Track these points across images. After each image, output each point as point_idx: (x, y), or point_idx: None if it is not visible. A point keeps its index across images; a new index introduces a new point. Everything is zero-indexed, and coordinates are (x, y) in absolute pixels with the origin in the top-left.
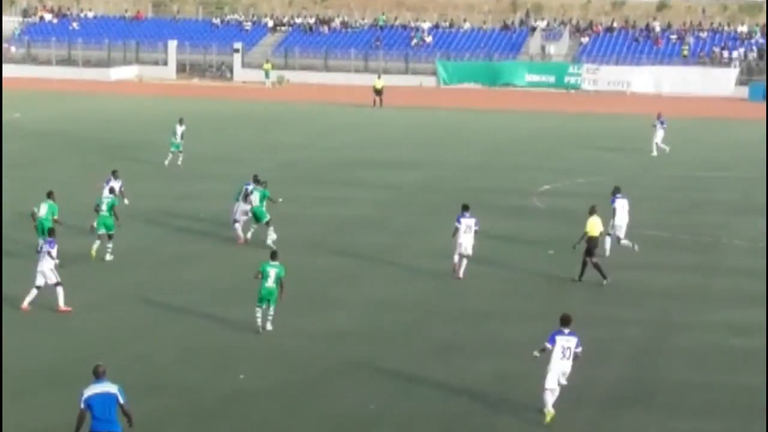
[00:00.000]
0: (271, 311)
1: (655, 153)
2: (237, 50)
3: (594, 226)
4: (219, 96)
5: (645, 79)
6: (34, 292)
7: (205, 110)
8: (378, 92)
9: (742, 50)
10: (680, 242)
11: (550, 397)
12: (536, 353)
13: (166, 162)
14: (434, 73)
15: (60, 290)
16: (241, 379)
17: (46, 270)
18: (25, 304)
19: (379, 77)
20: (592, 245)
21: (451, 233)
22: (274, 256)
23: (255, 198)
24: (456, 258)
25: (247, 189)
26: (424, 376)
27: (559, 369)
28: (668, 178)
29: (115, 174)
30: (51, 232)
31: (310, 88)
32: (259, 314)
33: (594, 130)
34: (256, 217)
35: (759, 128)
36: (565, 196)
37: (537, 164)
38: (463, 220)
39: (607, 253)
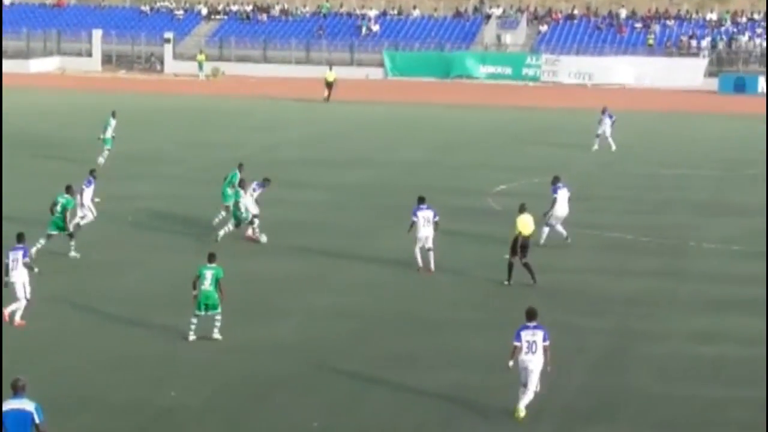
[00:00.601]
0: (218, 318)
1: (596, 147)
2: (168, 40)
3: (525, 224)
4: (148, 90)
5: (624, 70)
6: (23, 303)
7: (133, 105)
8: (329, 85)
9: (711, 39)
10: (644, 245)
11: (522, 394)
12: (510, 363)
13: (102, 159)
14: (381, 64)
15: (23, 304)
16: (173, 396)
17: (18, 282)
18: (13, 316)
19: (330, 69)
20: (522, 244)
21: (408, 228)
22: (211, 258)
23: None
24: (418, 253)
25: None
26: (374, 389)
27: (525, 365)
28: (632, 177)
29: (93, 173)
30: (20, 237)
31: (247, 81)
32: (194, 322)
33: (554, 125)
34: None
35: (730, 122)
36: (522, 197)
37: (492, 162)
38: (420, 213)
39: (542, 241)
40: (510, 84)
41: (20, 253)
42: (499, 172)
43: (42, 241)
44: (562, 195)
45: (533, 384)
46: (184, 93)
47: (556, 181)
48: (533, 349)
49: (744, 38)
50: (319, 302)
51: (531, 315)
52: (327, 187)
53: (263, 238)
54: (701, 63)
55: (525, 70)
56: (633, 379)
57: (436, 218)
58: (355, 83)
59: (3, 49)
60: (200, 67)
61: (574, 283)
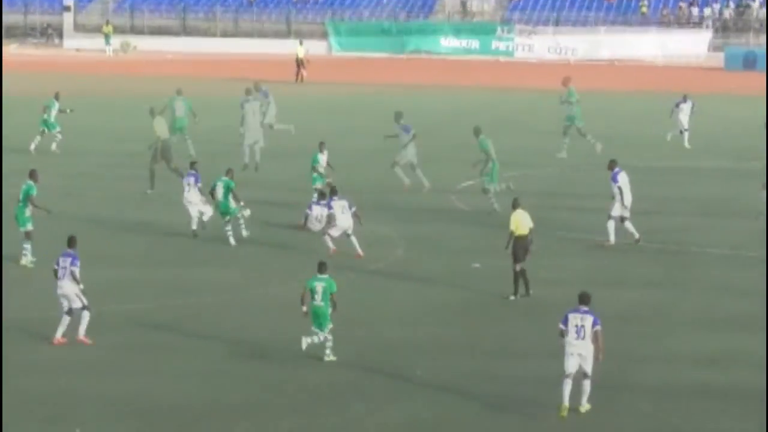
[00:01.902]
0: (329, 338)
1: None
2: (67, 8)
3: (519, 222)
4: (45, 68)
5: (613, 44)
6: (66, 320)
7: (25, 87)
8: (300, 63)
9: (717, 6)
10: (640, 251)
11: (568, 387)
12: (561, 339)
13: (33, 146)
14: (324, 36)
15: (86, 315)
16: None
17: (70, 293)
18: (59, 335)
19: (300, 44)
20: (518, 247)
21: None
22: (322, 268)
23: (219, 191)
24: (330, 240)
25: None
26: (314, 427)
27: (575, 351)
28: (625, 170)
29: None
30: (72, 241)
31: (163, 57)
32: (308, 340)
33: (529, 109)
34: (221, 214)
35: (738, 104)
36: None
37: (456, 154)
38: (335, 203)
39: (612, 239)
40: (477, 60)
41: (69, 261)
42: (464, 166)
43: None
44: (624, 181)
45: (589, 370)
46: (87, 72)
47: (613, 165)
48: (581, 335)
49: (755, 5)
50: (256, 319)
51: (584, 299)
52: (260, 184)
53: (244, 233)
54: (704, 35)
55: (495, 44)
56: (629, 410)
57: (353, 208)
58: (293, 60)
59: None
60: (107, 40)
61: (558, 297)
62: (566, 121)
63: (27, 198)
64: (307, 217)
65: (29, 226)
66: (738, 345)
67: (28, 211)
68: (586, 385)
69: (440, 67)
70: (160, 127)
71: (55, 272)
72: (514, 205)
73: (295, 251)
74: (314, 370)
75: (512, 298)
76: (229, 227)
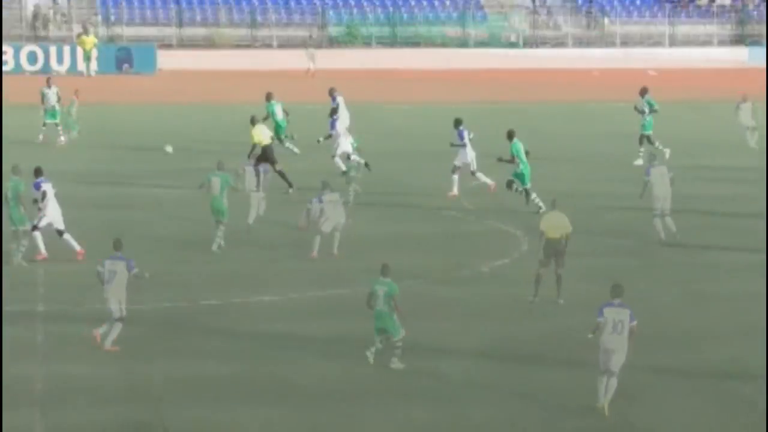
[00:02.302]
0: (398, 345)
1: (754, 144)
2: None
3: (550, 224)
4: None
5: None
6: (119, 326)
7: (20, 87)
8: (310, 57)
9: None
10: (657, 255)
11: (603, 385)
12: (590, 335)
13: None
14: (321, 27)
15: (118, 326)
16: None
17: (113, 299)
18: (101, 332)
19: (311, 37)
20: (547, 250)
21: (305, 216)
22: (385, 270)
23: (215, 186)
24: (318, 240)
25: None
26: (320, 428)
27: (610, 347)
28: (641, 170)
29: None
30: (119, 244)
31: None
32: (372, 351)
33: (541, 105)
34: (215, 212)
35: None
36: (501, 195)
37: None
38: (326, 198)
39: (663, 234)
40: (487, 53)
41: (121, 265)
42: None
43: (24, 243)
44: (659, 174)
45: (617, 367)
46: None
47: (651, 159)
48: (618, 330)
49: None
50: (257, 319)
51: (617, 291)
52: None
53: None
54: (723, 26)
55: (505, 35)
56: (658, 424)
57: (344, 199)
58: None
59: None
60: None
61: (571, 303)
62: (642, 129)
63: (17, 196)
64: (309, 212)
65: (27, 225)
66: (752, 350)
67: (21, 209)
68: (613, 382)
69: (444, 60)
70: (260, 135)
71: (99, 274)
72: (552, 205)
73: (294, 252)
74: (319, 370)
75: (530, 299)
76: (220, 230)
